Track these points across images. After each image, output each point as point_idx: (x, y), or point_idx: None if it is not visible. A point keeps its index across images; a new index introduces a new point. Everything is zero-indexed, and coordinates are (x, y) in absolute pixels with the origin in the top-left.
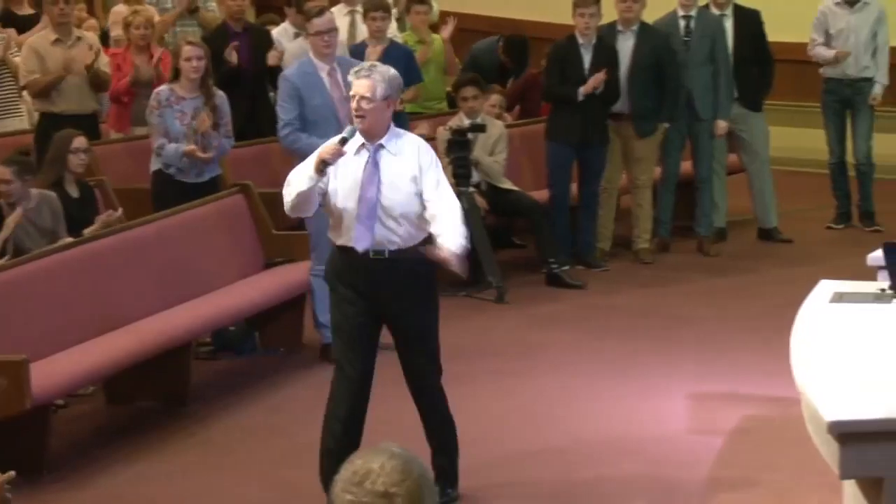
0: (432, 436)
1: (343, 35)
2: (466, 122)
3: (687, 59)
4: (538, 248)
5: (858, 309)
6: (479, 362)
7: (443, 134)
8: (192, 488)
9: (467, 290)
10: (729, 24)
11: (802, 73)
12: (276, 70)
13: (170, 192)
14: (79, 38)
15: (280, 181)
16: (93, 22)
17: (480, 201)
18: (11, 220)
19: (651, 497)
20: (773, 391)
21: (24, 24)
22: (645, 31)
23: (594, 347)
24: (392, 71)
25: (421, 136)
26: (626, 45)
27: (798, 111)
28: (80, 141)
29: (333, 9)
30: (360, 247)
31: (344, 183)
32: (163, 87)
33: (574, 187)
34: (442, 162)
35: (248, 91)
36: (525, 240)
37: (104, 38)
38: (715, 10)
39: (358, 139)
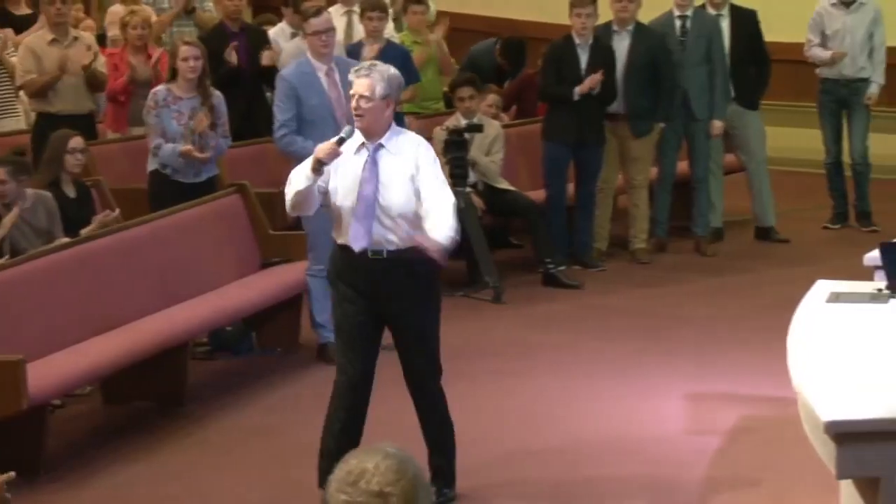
0: (430, 436)
1: (340, 35)
2: (463, 122)
3: (683, 59)
4: (535, 248)
5: (855, 309)
6: (477, 362)
7: (439, 134)
8: (190, 488)
9: (464, 291)
10: (725, 24)
11: (799, 73)
12: (271, 70)
13: (167, 192)
14: (75, 38)
15: (277, 181)
16: (90, 22)
17: (477, 201)
18: (8, 221)
19: (649, 497)
20: (770, 391)
21: (21, 24)
22: (640, 30)
23: (591, 347)
24: (392, 70)
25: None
26: (621, 45)
27: (794, 111)
28: (76, 141)
29: (330, 9)
30: (357, 246)
31: (344, 182)
32: (160, 87)
33: (570, 187)
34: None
35: (245, 91)
36: (522, 240)
37: (101, 38)
38: (711, 10)
39: (358, 138)
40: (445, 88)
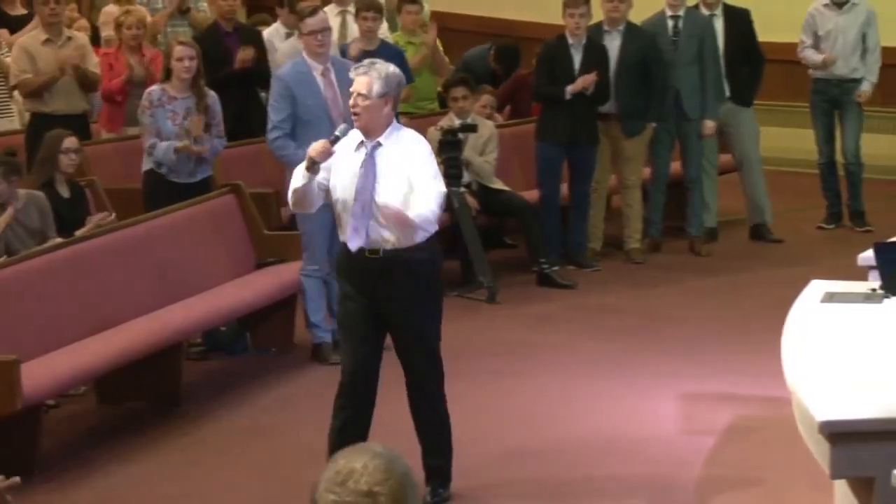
0: (428, 437)
1: (334, 35)
2: (457, 122)
3: (675, 59)
4: (529, 249)
5: (849, 309)
6: (473, 362)
7: (433, 134)
8: (185, 488)
9: (459, 291)
10: (719, 24)
11: (792, 73)
12: (261, 71)
13: (161, 192)
14: (69, 39)
15: (271, 181)
16: (84, 22)
17: (471, 201)
18: (2, 221)
19: (646, 496)
20: (764, 391)
21: (16, 25)
22: (631, 30)
23: (587, 347)
24: (391, 68)
25: None
26: (612, 45)
27: (788, 111)
28: (70, 141)
29: (325, 8)
30: (354, 245)
31: (342, 180)
32: (154, 87)
33: (564, 187)
34: None
35: (240, 92)
36: (516, 240)
37: (95, 38)
38: (705, 10)
39: (358, 136)
40: (439, 89)
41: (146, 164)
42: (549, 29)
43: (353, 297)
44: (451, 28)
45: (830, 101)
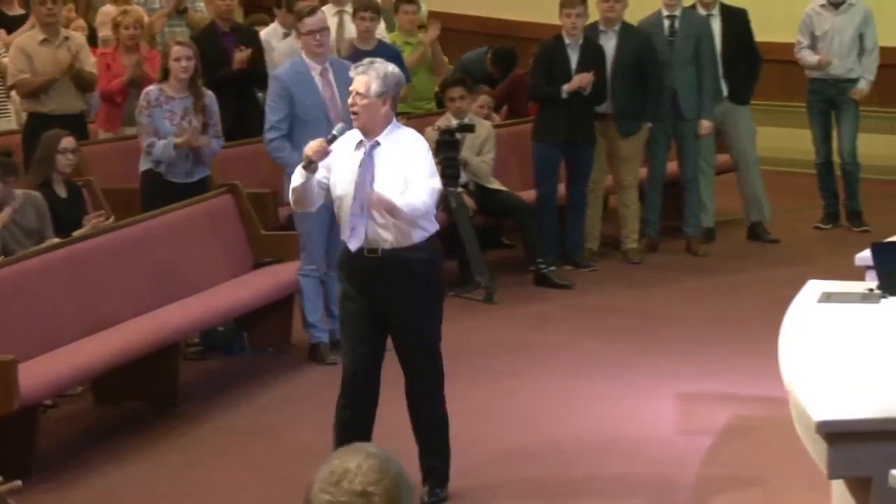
0: (426, 436)
1: (332, 35)
2: (454, 122)
3: (671, 59)
4: (526, 249)
5: (846, 309)
6: (471, 362)
7: (431, 134)
8: (182, 488)
9: (456, 291)
10: (717, 24)
11: (789, 73)
12: (258, 71)
13: (159, 192)
14: (66, 39)
15: (268, 182)
16: (81, 22)
17: (469, 201)
18: None
19: (645, 495)
20: (761, 391)
21: (14, 25)
22: (626, 30)
23: (585, 347)
24: (389, 67)
25: None
26: (608, 45)
27: (785, 111)
28: (68, 141)
29: (322, 8)
30: (353, 245)
31: (342, 179)
32: (152, 87)
33: (562, 187)
34: None
35: (237, 92)
36: (513, 240)
37: (92, 38)
38: (702, 10)
39: (358, 135)
40: (437, 89)
41: (144, 165)
42: (548, 29)
43: (354, 297)
44: (450, 28)
45: (827, 101)
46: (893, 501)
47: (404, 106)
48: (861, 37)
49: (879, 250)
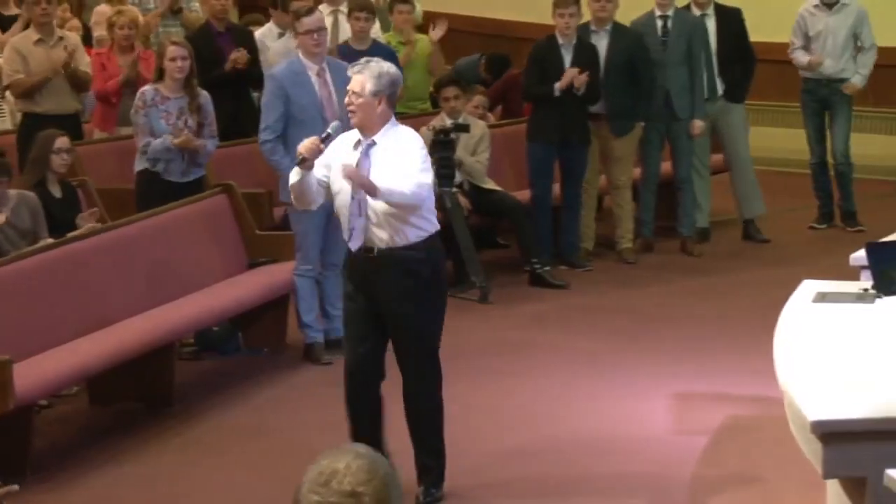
0: (423, 436)
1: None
2: (448, 122)
3: (664, 59)
4: (521, 248)
5: (841, 309)
6: (467, 362)
7: (425, 134)
8: (177, 488)
9: (451, 291)
10: (711, 24)
11: (784, 73)
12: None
13: (154, 191)
14: (61, 38)
15: (263, 181)
16: (75, 22)
17: (463, 201)
18: None
19: (642, 495)
20: (756, 391)
21: (10, 25)
22: (618, 30)
23: (579, 347)
24: (385, 66)
25: None
26: (599, 45)
27: (779, 111)
28: (62, 141)
29: (318, 8)
30: (353, 245)
31: (340, 178)
32: (147, 87)
33: (556, 187)
34: None
35: (232, 92)
36: (509, 240)
37: (87, 38)
38: (696, 10)
39: (357, 134)
40: (431, 89)
41: (139, 164)
42: (542, 29)
43: (353, 296)
44: None
45: (820, 101)
46: (888, 501)
47: (399, 106)
48: (857, 36)
49: (874, 250)
